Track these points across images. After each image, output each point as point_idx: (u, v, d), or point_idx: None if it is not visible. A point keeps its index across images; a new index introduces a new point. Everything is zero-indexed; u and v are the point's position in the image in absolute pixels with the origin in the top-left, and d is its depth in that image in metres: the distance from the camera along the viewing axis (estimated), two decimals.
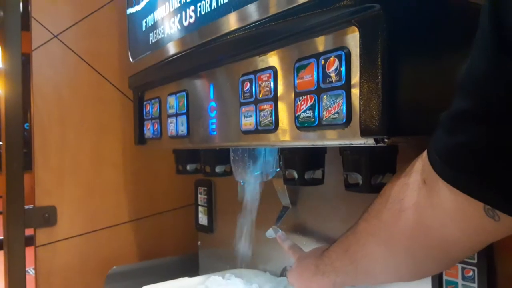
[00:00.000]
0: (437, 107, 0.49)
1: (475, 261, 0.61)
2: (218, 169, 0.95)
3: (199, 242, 1.27)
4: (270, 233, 0.94)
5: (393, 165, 0.62)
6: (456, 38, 0.52)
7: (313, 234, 0.91)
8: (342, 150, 0.64)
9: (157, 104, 1.00)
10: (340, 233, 0.77)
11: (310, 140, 0.60)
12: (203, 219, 1.23)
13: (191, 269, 1.23)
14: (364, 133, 0.51)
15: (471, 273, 0.62)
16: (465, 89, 0.36)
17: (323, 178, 0.74)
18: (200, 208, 1.24)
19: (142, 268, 1.22)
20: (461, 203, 0.37)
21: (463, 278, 0.63)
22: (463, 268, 0.63)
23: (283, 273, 0.96)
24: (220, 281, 0.98)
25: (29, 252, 1.13)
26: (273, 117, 0.65)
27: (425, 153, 0.42)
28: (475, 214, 0.36)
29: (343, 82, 0.53)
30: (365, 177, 0.60)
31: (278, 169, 0.86)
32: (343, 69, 0.53)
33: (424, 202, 0.42)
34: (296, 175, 0.72)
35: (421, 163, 0.42)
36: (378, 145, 0.51)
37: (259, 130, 0.68)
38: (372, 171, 0.60)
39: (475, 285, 0.62)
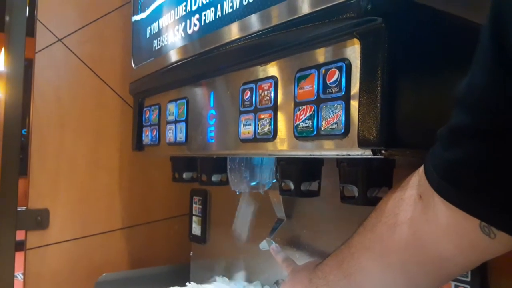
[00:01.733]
0: (435, 122, 0.50)
1: (468, 279, 0.61)
2: (214, 178, 0.95)
3: (191, 252, 1.26)
4: (263, 245, 0.93)
5: (389, 178, 0.62)
6: (455, 55, 0.53)
7: (307, 247, 0.90)
8: (339, 161, 0.64)
9: (157, 111, 1.00)
10: (335, 247, 0.77)
11: (308, 150, 0.60)
12: (196, 229, 1.22)
13: (183, 279, 1.21)
14: (362, 144, 0.51)
15: None
16: (464, 105, 0.36)
17: (319, 190, 0.73)
18: (194, 218, 1.24)
19: (133, 277, 1.21)
20: (457, 219, 0.37)
21: None
22: (456, 286, 0.62)
23: (276, 285, 0.95)
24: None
25: (19, 257, 1.12)
26: (272, 126, 0.65)
27: (421, 168, 0.42)
28: (471, 231, 0.36)
29: (343, 93, 0.53)
30: (361, 190, 0.60)
31: (274, 180, 0.86)
32: (343, 80, 0.53)
33: (419, 217, 0.41)
34: (292, 186, 0.72)
35: (418, 178, 0.42)
36: (375, 157, 0.51)
37: (258, 139, 0.68)
38: (368, 183, 0.60)
39: None
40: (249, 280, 1.00)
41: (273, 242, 0.91)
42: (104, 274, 1.16)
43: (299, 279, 0.67)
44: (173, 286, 1.08)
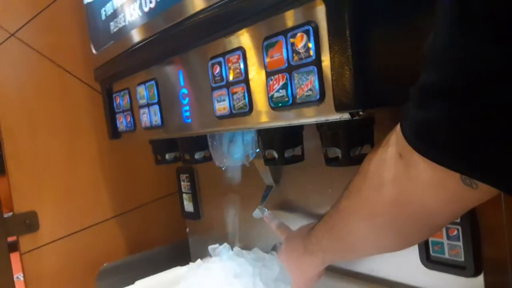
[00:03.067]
0: (410, 76, 0.49)
1: (458, 220, 0.63)
2: (197, 155, 0.93)
3: (188, 229, 1.27)
4: (257, 213, 0.94)
5: (370, 135, 0.62)
6: (427, 2, 0.51)
7: (298, 210, 0.91)
8: (319, 126, 0.63)
9: (127, 96, 0.97)
10: (325, 208, 0.78)
11: (286, 120, 0.59)
12: (189, 206, 1.22)
13: (183, 257, 1.23)
14: (339, 108, 0.50)
15: (455, 232, 0.63)
16: (432, 63, 0.36)
17: (303, 154, 0.73)
18: (184, 196, 1.23)
19: (133, 262, 1.21)
20: (438, 175, 0.37)
21: (448, 237, 0.64)
22: (447, 229, 0.64)
23: (274, 250, 0.96)
24: (211, 264, 0.97)
25: (16, 257, 1.11)
26: (247, 100, 0.63)
27: (398, 127, 0.41)
28: (453, 184, 0.37)
29: (313, 58, 0.52)
30: (344, 151, 0.60)
31: (258, 150, 0.85)
32: (312, 44, 0.52)
33: (402, 176, 0.42)
34: (276, 155, 0.71)
35: (396, 136, 0.42)
36: (354, 119, 0.51)
37: (234, 114, 0.66)
38: (350, 144, 0.60)
39: (460, 243, 0.63)
40: (248, 248, 1.02)
41: (266, 210, 0.92)
42: (105, 264, 1.17)
43: (294, 246, 0.68)
44: (174, 264, 1.09)
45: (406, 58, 0.51)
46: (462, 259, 0.63)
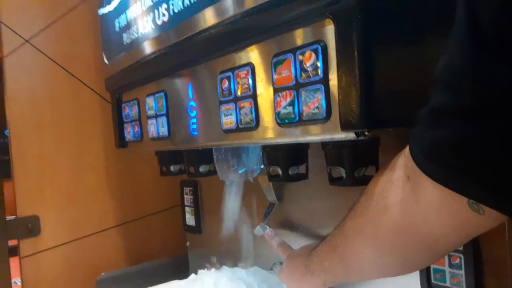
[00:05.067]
0: (417, 98, 0.49)
1: (461, 248, 0.62)
2: (202, 169, 0.93)
3: (188, 242, 1.26)
4: (258, 230, 0.93)
5: (375, 157, 0.61)
6: (433, 26, 0.51)
7: (300, 229, 0.90)
8: (324, 144, 0.63)
9: (136, 106, 0.97)
10: (327, 228, 0.77)
11: (292, 137, 0.59)
12: (190, 220, 1.22)
13: (182, 270, 1.22)
14: (344, 127, 0.50)
15: (458, 260, 0.62)
16: (444, 84, 0.35)
17: (307, 172, 0.73)
18: (187, 209, 1.23)
19: (132, 273, 1.21)
20: (446, 198, 0.37)
21: (450, 265, 0.63)
22: (450, 256, 0.63)
23: (272, 269, 0.95)
24: (209, 276, 0.96)
25: (15, 262, 1.11)
26: (254, 115, 0.63)
27: (407, 149, 0.41)
28: (460, 209, 0.36)
29: (321, 76, 0.52)
30: (349, 171, 0.60)
31: (262, 166, 0.85)
32: (320, 63, 0.52)
33: (408, 198, 0.41)
34: (280, 172, 0.71)
35: (404, 159, 0.42)
36: (359, 138, 0.50)
37: (241, 129, 0.66)
38: (355, 164, 0.60)
39: (462, 271, 0.62)
40: (247, 266, 1.01)
41: (268, 227, 0.91)
42: (103, 273, 1.16)
43: (295, 265, 0.67)
44: (173, 277, 1.08)
45: (412, 80, 0.51)
46: (464, 287, 0.61)
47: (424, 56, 0.51)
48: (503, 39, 0.30)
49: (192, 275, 1.01)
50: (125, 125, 1.05)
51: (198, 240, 1.22)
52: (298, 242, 0.84)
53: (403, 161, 0.42)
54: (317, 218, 0.86)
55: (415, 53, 0.52)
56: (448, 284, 0.63)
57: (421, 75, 0.50)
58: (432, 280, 0.65)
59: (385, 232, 0.45)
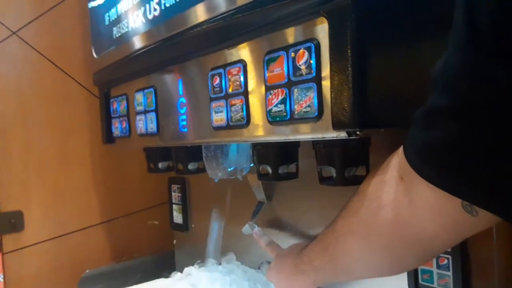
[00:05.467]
0: (409, 99, 0.49)
1: (449, 250, 0.62)
2: (191, 166, 0.93)
3: (175, 240, 1.25)
4: (246, 229, 0.93)
5: (366, 157, 0.61)
6: (427, 27, 0.51)
7: (289, 228, 0.90)
8: (315, 143, 0.62)
9: (125, 101, 0.96)
10: (317, 227, 0.77)
11: (282, 135, 0.58)
12: (178, 218, 1.21)
13: (168, 268, 1.21)
14: (336, 126, 0.50)
15: (445, 262, 0.62)
16: (440, 86, 0.35)
17: (297, 172, 0.72)
18: (174, 207, 1.22)
19: (117, 270, 1.19)
20: (439, 199, 0.37)
21: (438, 266, 0.63)
22: (438, 257, 0.63)
23: (260, 268, 0.95)
24: (195, 274, 0.95)
25: None
26: (245, 112, 0.63)
27: (401, 150, 0.41)
28: (453, 210, 0.36)
29: (314, 74, 0.52)
30: (339, 170, 0.60)
31: (252, 164, 0.84)
32: (313, 61, 0.52)
33: (402, 199, 0.41)
34: (270, 170, 0.70)
35: (398, 159, 0.42)
36: (351, 138, 0.50)
37: (231, 126, 0.66)
38: (345, 163, 0.60)
39: (450, 273, 0.62)
40: (232, 264, 1.00)
41: (256, 226, 0.91)
42: (87, 271, 1.14)
43: (285, 264, 0.67)
44: (159, 275, 1.07)
45: (406, 81, 0.51)
46: None
47: (418, 57, 0.51)
48: (499, 40, 0.30)
49: (178, 274, 1.00)
50: (112, 120, 1.03)
51: (185, 238, 1.21)
52: (287, 241, 0.84)
53: (397, 162, 0.42)
54: (306, 218, 0.86)
55: (410, 53, 0.51)
56: (435, 285, 0.63)
57: (414, 76, 0.50)
58: (420, 281, 0.66)
59: (378, 231, 0.45)
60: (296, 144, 0.71)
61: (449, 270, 0.62)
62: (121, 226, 1.25)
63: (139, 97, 0.90)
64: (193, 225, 1.18)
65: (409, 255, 0.45)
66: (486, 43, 0.30)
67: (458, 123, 0.33)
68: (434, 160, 0.36)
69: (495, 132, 0.31)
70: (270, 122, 0.59)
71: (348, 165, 0.60)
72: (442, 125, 0.34)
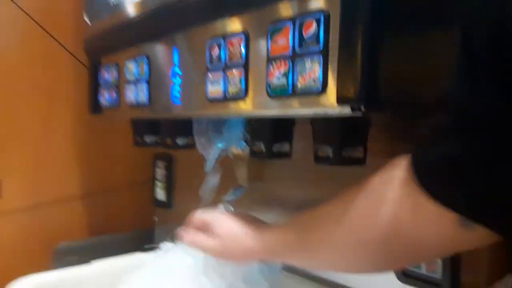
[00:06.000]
0: (418, 83, 0.48)
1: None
2: (180, 141, 0.90)
3: (156, 218, 1.23)
4: (221, 209, 0.90)
5: (364, 138, 0.60)
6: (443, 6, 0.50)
7: (272, 214, 0.88)
8: (313, 120, 0.61)
9: (115, 70, 0.93)
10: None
11: (282, 109, 0.57)
12: (161, 195, 1.18)
13: (146, 244, 1.18)
14: (341, 100, 0.48)
15: None
16: (441, 105, 0.38)
17: (291, 151, 0.71)
18: (158, 183, 1.19)
19: (93, 244, 1.16)
20: (437, 212, 0.37)
21: None
22: None
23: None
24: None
25: None
26: (243, 85, 0.61)
27: (410, 156, 0.41)
28: (450, 223, 0.37)
29: (321, 47, 0.50)
30: (336, 149, 0.58)
31: (243, 143, 0.82)
32: (321, 33, 0.50)
33: (406, 200, 0.41)
34: (263, 148, 0.69)
35: (406, 163, 0.41)
36: (353, 115, 0.49)
37: (228, 98, 0.64)
38: (343, 142, 0.59)
39: (439, 259, 0.62)
40: None
41: (232, 207, 0.89)
42: (62, 242, 1.11)
43: (246, 220, 0.64)
44: (137, 252, 1.05)
45: (419, 64, 0.50)
46: (439, 276, 0.61)
47: (427, 47, 0.50)
48: (498, 65, 0.32)
49: (158, 251, 0.98)
50: (101, 90, 1.00)
51: (167, 216, 1.19)
52: None
53: (405, 165, 0.41)
54: (291, 203, 0.85)
55: (420, 41, 0.50)
56: (423, 271, 0.63)
57: (428, 62, 0.49)
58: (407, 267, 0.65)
59: (373, 225, 0.44)
60: (291, 122, 0.70)
61: None
62: (101, 200, 1.22)
63: (130, 66, 0.87)
64: (176, 203, 1.16)
65: (396, 255, 0.45)
66: (484, 68, 0.33)
67: (457, 142, 0.35)
68: (434, 173, 0.38)
69: (492, 149, 0.33)
70: (269, 96, 0.57)
71: (346, 144, 0.59)
72: (443, 143, 0.36)
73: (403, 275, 0.66)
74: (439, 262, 0.61)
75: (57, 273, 0.94)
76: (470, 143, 0.34)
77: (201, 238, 0.69)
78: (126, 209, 1.26)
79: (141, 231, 1.24)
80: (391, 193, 0.42)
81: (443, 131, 0.37)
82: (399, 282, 0.66)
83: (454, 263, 0.60)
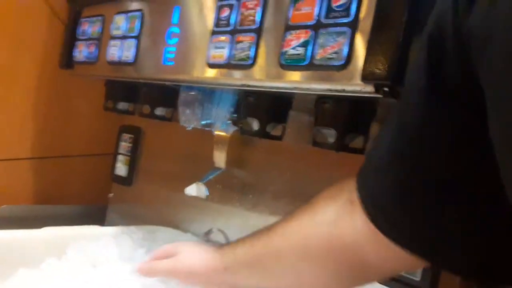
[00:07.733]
0: None
1: None
2: (158, 111, 0.84)
3: (111, 194, 1.14)
4: (191, 189, 0.84)
5: (367, 126, 0.58)
6: None
7: (249, 199, 0.84)
8: (318, 100, 0.58)
9: (99, 23, 0.85)
10: (282, 198, 0.73)
11: (293, 82, 0.53)
12: (121, 170, 1.10)
13: (96, 222, 1.09)
14: (366, 77, 0.46)
15: None
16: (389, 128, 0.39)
17: (283, 134, 0.68)
18: (120, 157, 1.11)
19: (38, 212, 1.05)
20: (376, 233, 0.38)
21: None
22: None
23: (207, 235, 0.88)
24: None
25: None
26: (253, 51, 0.57)
27: (356, 177, 0.41)
28: (385, 245, 0.37)
29: (351, 19, 0.47)
30: (339, 132, 0.56)
31: (229, 122, 0.78)
32: (353, 4, 0.47)
33: (347, 220, 0.42)
34: (256, 126, 0.65)
35: (353, 184, 0.42)
36: (374, 95, 0.47)
37: (231, 65, 0.60)
38: (347, 127, 0.56)
39: None
40: (180, 230, 0.93)
41: (206, 189, 0.83)
42: (4, 206, 1.00)
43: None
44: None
45: None
46: (418, 278, 0.60)
47: None
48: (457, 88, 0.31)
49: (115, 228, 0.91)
50: (77, 43, 0.92)
51: (125, 193, 1.11)
52: (244, 214, 0.79)
53: (352, 186, 0.41)
54: (271, 189, 0.81)
55: None
56: (403, 273, 0.61)
57: None
58: None
59: (315, 244, 0.45)
60: (288, 104, 0.67)
61: None
62: (54, 166, 1.11)
63: (119, 20, 0.80)
64: (137, 181, 1.08)
65: (340, 274, 0.45)
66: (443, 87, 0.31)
67: (393, 170, 0.36)
68: (370, 197, 0.39)
69: (416, 181, 0.34)
70: (282, 66, 0.54)
71: (349, 130, 0.56)
72: (382, 169, 0.38)
73: None
74: None
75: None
76: (402, 173, 0.35)
77: (159, 262, 0.63)
78: (78, 180, 1.15)
79: (92, 206, 1.15)
80: (331, 214, 0.44)
81: (385, 156, 0.37)
82: (379, 284, 0.64)
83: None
